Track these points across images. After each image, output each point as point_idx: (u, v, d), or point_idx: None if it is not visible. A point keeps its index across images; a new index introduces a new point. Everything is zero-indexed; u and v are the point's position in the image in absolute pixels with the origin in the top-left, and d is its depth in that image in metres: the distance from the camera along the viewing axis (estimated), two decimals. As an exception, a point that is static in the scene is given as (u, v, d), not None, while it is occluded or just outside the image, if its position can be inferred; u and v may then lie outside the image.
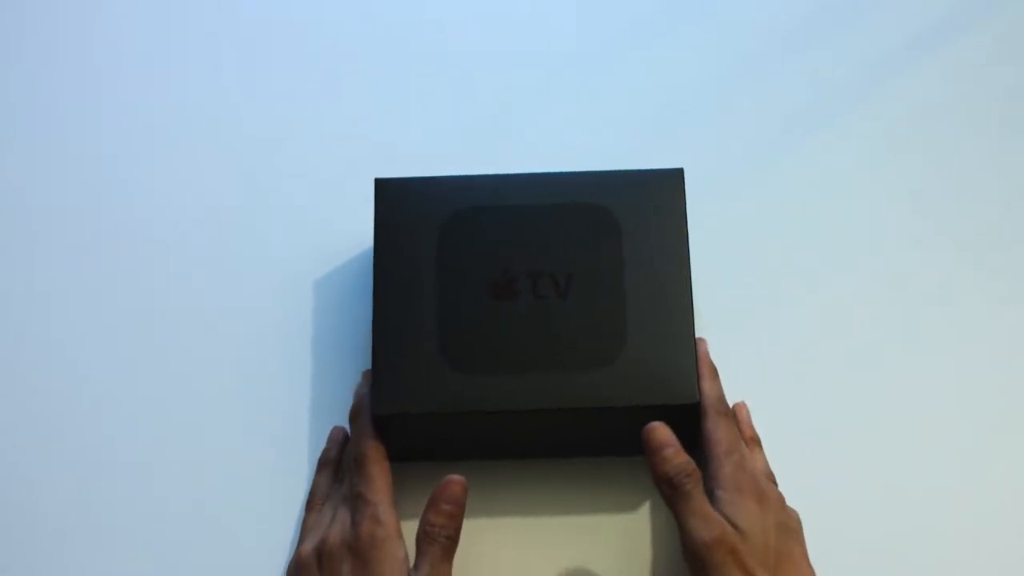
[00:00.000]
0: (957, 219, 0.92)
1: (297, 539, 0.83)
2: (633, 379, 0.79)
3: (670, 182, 0.84)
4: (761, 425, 0.85)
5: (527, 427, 0.81)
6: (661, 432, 0.78)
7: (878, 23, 0.98)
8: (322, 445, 0.85)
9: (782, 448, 0.84)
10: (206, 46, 0.98)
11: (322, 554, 0.78)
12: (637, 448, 0.83)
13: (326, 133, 0.95)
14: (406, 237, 0.83)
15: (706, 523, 0.75)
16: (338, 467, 0.85)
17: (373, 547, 0.77)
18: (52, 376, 0.88)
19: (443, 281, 0.82)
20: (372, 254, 0.88)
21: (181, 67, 0.97)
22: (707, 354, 0.83)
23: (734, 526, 0.75)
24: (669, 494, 0.77)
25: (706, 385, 0.81)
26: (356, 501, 0.79)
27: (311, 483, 0.85)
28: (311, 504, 0.83)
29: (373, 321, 0.81)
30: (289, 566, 0.80)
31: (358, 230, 0.91)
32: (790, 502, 0.80)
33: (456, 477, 0.78)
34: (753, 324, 0.88)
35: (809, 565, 0.77)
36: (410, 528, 0.79)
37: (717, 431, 0.80)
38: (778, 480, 0.83)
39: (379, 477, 0.79)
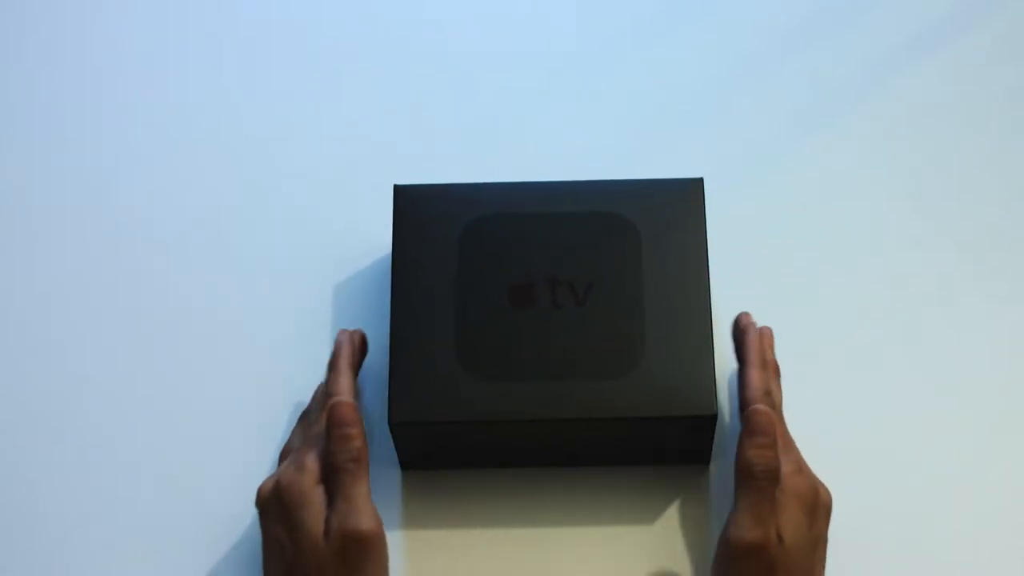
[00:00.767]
0: (957, 219, 0.92)
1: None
2: (651, 390, 0.79)
3: (690, 192, 0.84)
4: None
5: (544, 436, 0.80)
6: (765, 418, 0.77)
7: (878, 23, 0.98)
8: None
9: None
10: (211, 47, 0.98)
11: (260, 497, 0.78)
12: (653, 458, 0.83)
13: (338, 137, 0.95)
14: (425, 244, 0.82)
15: (756, 524, 0.75)
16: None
17: (291, 493, 0.76)
18: (65, 376, 0.88)
19: (462, 288, 0.81)
20: (389, 260, 0.88)
21: (191, 69, 0.97)
22: (756, 338, 0.81)
23: (779, 535, 0.75)
24: (742, 481, 0.76)
25: (753, 374, 0.80)
26: (305, 446, 0.78)
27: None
28: (282, 454, 0.83)
29: (391, 328, 0.81)
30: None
31: (372, 235, 0.90)
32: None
33: (340, 399, 0.77)
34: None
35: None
36: (411, 536, 0.79)
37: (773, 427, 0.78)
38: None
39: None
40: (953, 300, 0.89)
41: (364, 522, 0.75)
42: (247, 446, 0.86)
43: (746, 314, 0.83)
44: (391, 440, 0.85)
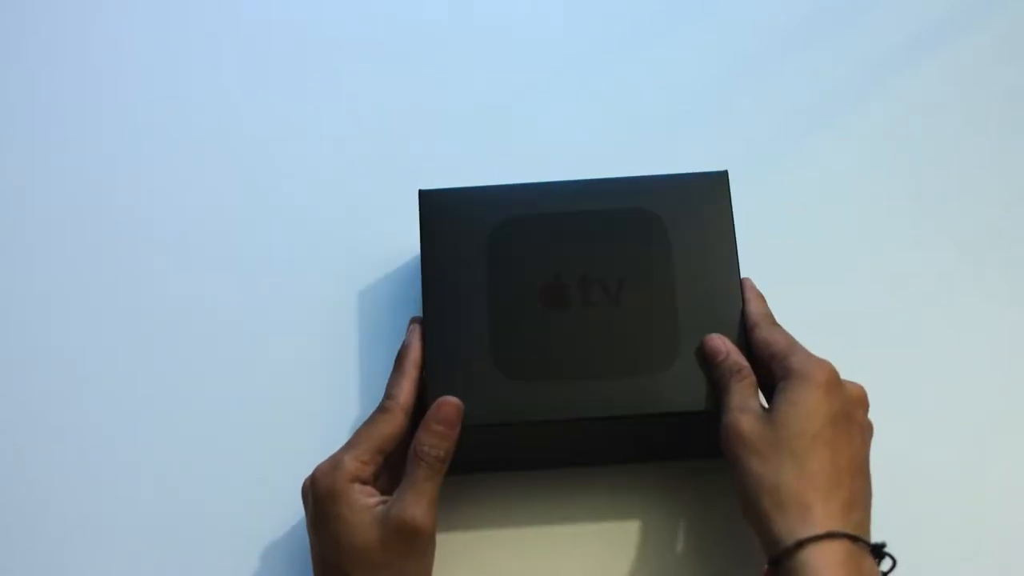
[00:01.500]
0: (957, 219, 0.92)
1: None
2: (687, 385, 0.79)
3: (715, 185, 0.84)
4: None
5: (583, 435, 0.80)
6: (716, 341, 0.79)
7: (878, 23, 0.98)
8: None
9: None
10: (217, 48, 0.98)
11: (302, 491, 0.79)
12: (694, 452, 0.83)
13: (356, 138, 0.94)
14: (453, 248, 0.82)
15: (728, 413, 0.76)
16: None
17: (322, 489, 0.76)
18: (72, 379, 0.88)
19: (493, 291, 0.81)
20: (413, 264, 0.88)
21: (211, 73, 0.97)
22: (752, 285, 0.83)
23: (771, 412, 0.75)
24: (719, 389, 0.78)
25: (751, 307, 0.81)
26: (347, 443, 0.79)
27: None
28: None
29: (424, 334, 0.81)
30: None
31: (395, 239, 0.90)
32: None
33: (450, 398, 0.78)
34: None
35: (855, 458, 0.75)
36: (450, 538, 0.78)
37: (773, 334, 0.79)
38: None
39: (378, 424, 0.79)
40: (953, 300, 0.89)
41: (422, 517, 0.75)
42: (272, 450, 0.86)
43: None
44: None
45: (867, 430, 0.78)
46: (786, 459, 0.74)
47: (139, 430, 0.87)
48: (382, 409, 0.79)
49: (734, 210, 0.86)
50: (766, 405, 0.78)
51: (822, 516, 0.72)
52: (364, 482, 0.77)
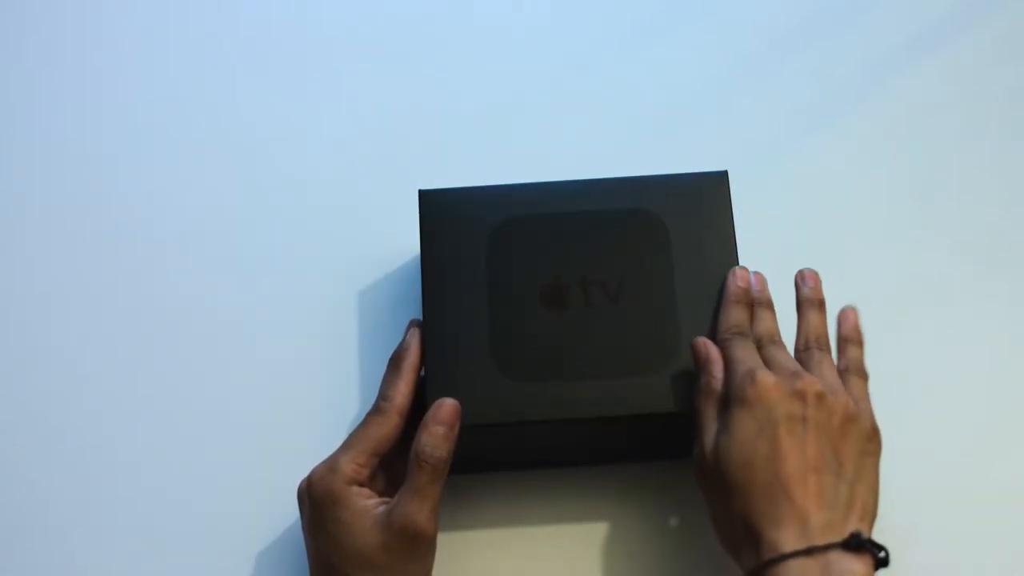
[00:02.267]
0: (957, 219, 0.92)
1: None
2: (685, 385, 0.79)
3: (715, 185, 0.84)
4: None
5: (582, 435, 0.81)
6: (702, 347, 0.79)
7: (878, 23, 0.98)
8: None
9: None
10: (217, 48, 0.98)
11: (298, 494, 0.79)
12: (684, 452, 0.82)
13: (356, 139, 0.94)
14: (453, 248, 0.82)
15: (694, 445, 0.76)
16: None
17: (319, 492, 0.76)
18: (79, 380, 0.88)
19: (493, 291, 0.81)
20: (416, 264, 0.88)
21: (211, 72, 0.97)
22: (736, 286, 0.81)
23: (716, 445, 0.75)
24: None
25: (721, 317, 0.80)
26: (342, 445, 0.79)
27: None
28: None
29: (424, 333, 0.81)
30: None
31: (394, 238, 0.90)
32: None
33: (448, 400, 0.78)
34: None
35: (805, 461, 0.72)
36: (450, 538, 0.78)
37: (733, 350, 0.78)
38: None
39: (373, 427, 0.78)
40: (953, 300, 0.89)
41: (425, 521, 0.75)
42: (272, 450, 0.86)
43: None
44: None
45: (826, 421, 0.74)
46: (732, 492, 0.73)
47: (138, 430, 0.87)
48: (377, 411, 0.79)
49: (734, 210, 0.86)
50: None
51: (771, 541, 0.70)
52: (360, 484, 0.77)
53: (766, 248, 0.91)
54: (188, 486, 0.85)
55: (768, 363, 0.78)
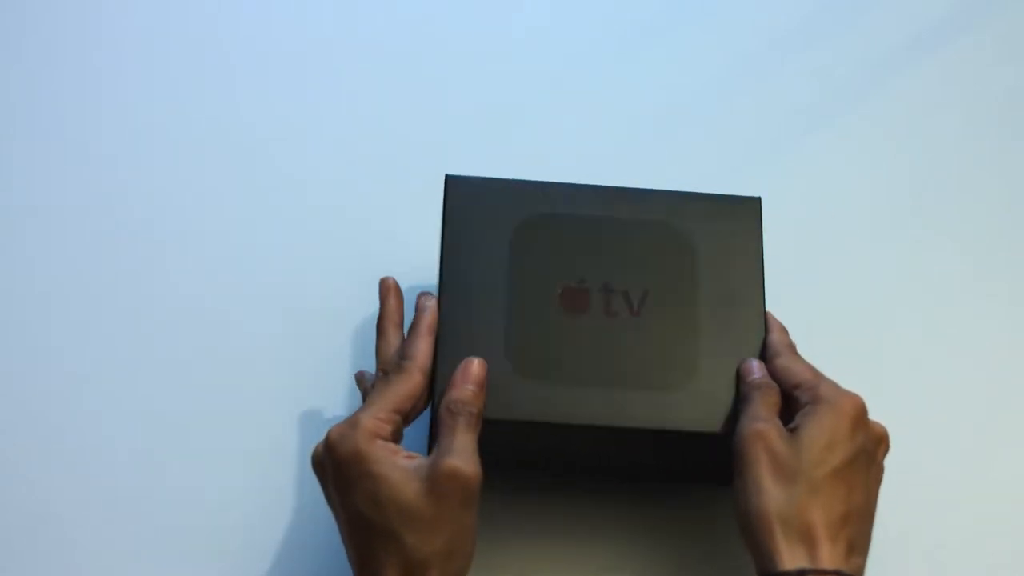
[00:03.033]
0: (957, 219, 0.92)
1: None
2: (704, 406, 0.77)
3: (748, 210, 0.82)
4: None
5: (592, 443, 0.79)
6: (752, 363, 0.78)
7: (878, 23, 0.98)
8: None
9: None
10: (224, 49, 0.98)
11: (314, 462, 0.76)
12: (701, 476, 0.82)
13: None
14: (477, 238, 0.81)
15: (752, 422, 0.74)
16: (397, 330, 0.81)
17: (342, 451, 0.72)
18: (84, 383, 0.88)
19: (514, 286, 0.80)
20: (437, 254, 0.87)
21: (217, 71, 0.97)
22: (772, 317, 0.81)
23: (794, 433, 0.73)
24: (742, 401, 0.76)
25: (773, 336, 0.79)
26: (363, 405, 0.76)
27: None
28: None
29: (439, 321, 0.79)
30: None
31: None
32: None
33: (476, 359, 0.76)
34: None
35: (867, 501, 0.74)
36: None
37: (797, 363, 0.77)
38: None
39: (395, 384, 0.76)
40: (953, 300, 0.89)
41: (473, 465, 0.72)
42: (273, 454, 0.85)
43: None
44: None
45: (881, 472, 0.77)
46: (802, 485, 0.72)
47: (138, 430, 0.87)
48: (399, 369, 0.76)
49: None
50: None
51: (828, 554, 0.70)
52: (384, 439, 0.73)
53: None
54: (188, 486, 0.85)
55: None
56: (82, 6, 0.99)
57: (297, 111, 0.95)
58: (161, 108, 0.96)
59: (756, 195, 0.83)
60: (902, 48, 0.97)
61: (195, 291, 0.90)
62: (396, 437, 0.75)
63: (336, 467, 0.73)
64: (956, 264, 0.90)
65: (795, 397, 0.76)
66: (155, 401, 0.87)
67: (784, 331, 0.81)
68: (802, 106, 0.95)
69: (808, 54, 0.97)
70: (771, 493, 0.72)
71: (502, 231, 0.81)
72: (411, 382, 0.76)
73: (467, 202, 0.82)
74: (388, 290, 0.82)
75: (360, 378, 0.83)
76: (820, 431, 0.73)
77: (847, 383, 0.87)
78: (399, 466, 0.72)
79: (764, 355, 0.79)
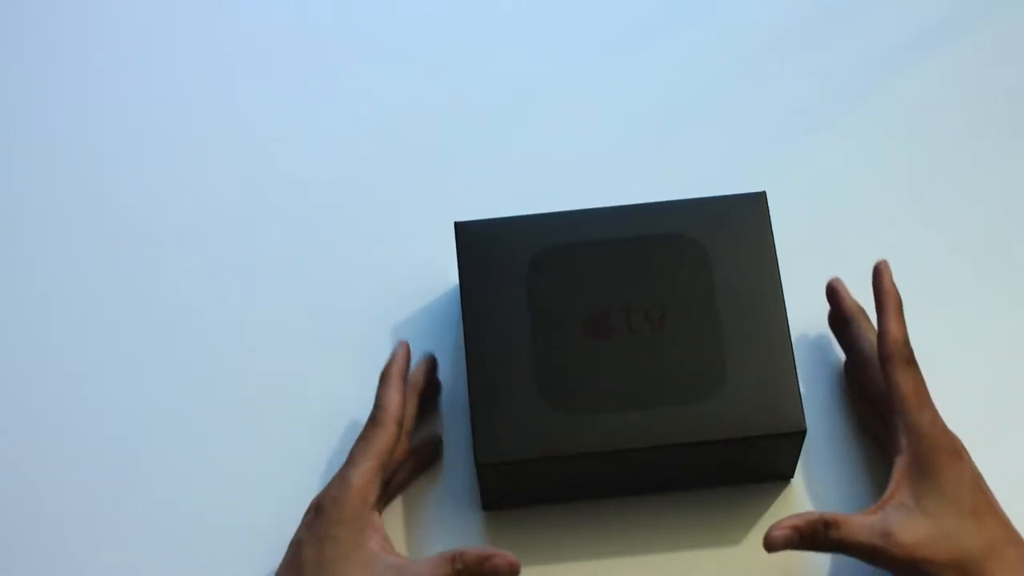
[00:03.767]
0: (957, 219, 0.92)
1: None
2: (737, 410, 0.78)
3: (753, 206, 0.83)
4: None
5: (631, 465, 0.79)
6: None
7: (878, 23, 0.98)
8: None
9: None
10: (226, 55, 0.98)
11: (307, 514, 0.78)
12: (737, 478, 0.82)
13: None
14: (492, 280, 0.81)
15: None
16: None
17: (349, 511, 0.75)
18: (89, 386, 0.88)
19: (535, 322, 0.80)
20: (448, 295, 0.87)
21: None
22: (892, 285, 0.79)
23: (924, 499, 0.75)
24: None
25: (891, 326, 0.78)
26: (347, 458, 0.78)
27: None
28: None
29: (468, 368, 0.80)
30: None
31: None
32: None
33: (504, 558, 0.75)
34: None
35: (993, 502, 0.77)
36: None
37: (906, 382, 0.77)
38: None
39: (373, 439, 0.78)
40: (953, 300, 0.90)
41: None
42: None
43: (884, 262, 0.81)
44: (473, 482, 0.85)
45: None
46: (963, 525, 0.74)
47: (138, 430, 0.87)
48: (374, 422, 0.78)
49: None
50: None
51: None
52: (375, 504, 0.76)
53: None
54: (188, 486, 0.85)
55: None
56: (82, 6, 0.99)
57: (297, 111, 0.95)
58: (161, 108, 0.96)
59: (761, 191, 0.83)
60: (902, 48, 0.97)
61: (195, 291, 0.90)
62: (383, 490, 0.79)
63: (329, 523, 0.75)
64: (956, 264, 0.90)
65: (889, 414, 0.78)
66: (155, 401, 0.87)
67: (901, 318, 0.79)
68: (802, 106, 0.95)
69: (808, 54, 0.97)
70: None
71: (517, 269, 0.81)
72: (386, 434, 0.78)
73: (479, 246, 0.82)
74: (399, 344, 0.82)
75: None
76: (949, 482, 0.76)
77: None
78: (382, 561, 0.74)
79: (791, 348, 0.79)
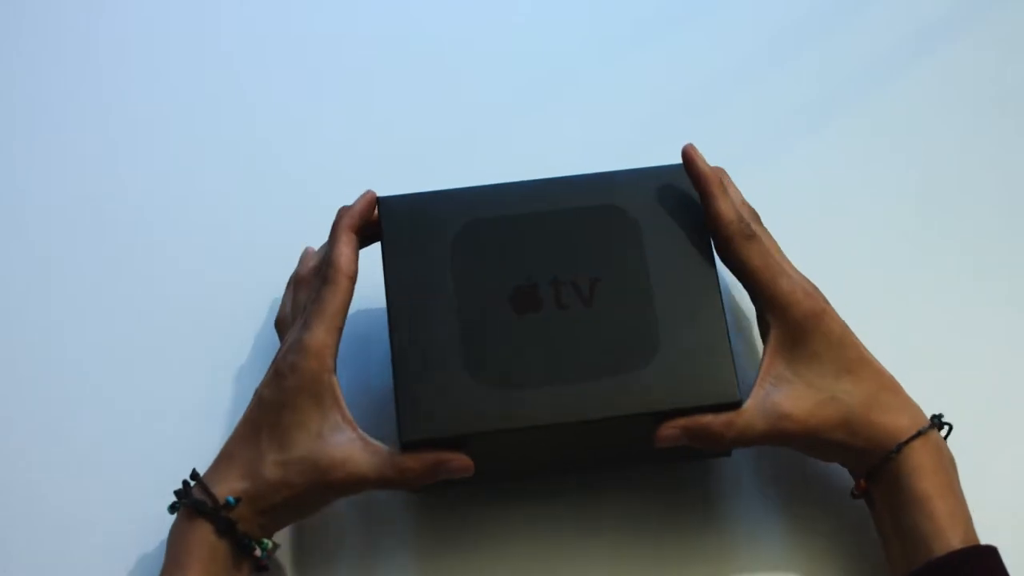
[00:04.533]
0: (957, 219, 0.92)
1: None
2: (670, 382, 0.77)
3: (683, 176, 0.82)
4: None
5: (563, 440, 0.78)
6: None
7: (878, 23, 0.98)
8: None
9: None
10: (197, 49, 0.98)
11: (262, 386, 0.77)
12: (677, 454, 0.81)
13: (309, 146, 0.94)
14: (417, 255, 0.80)
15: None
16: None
17: (290, 374, 0.75)
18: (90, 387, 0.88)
19: (462, 297, 0.79)
20: (380, 274, 0.86)
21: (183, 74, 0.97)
22: (706, 165, 0.80)
23: (799, 365, 0.77)
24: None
25: (719, 206, 0.79)
26: (299, 320, 0.77)
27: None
28: (277, 326, 0.82)
29: (392, 345, 0.78)
30: None
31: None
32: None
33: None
34: (751, 324, 0.88)
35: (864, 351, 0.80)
36: (434, 564, 0.77)
37: (752, 258, 0.78)
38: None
39: (329, 299, 0.76)
40: (953, 300, 0.89)
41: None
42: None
43: (689, 145, 0.81)
44: None
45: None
46: (841, 385, 0.76)
47: (138, 430, 0.87)
48: (325, 281, 0.76)
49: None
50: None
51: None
52: (333, 367, 0.75)
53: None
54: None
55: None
56: (82, 6, 0.99)
57: (297, 109, 0.96)
58: (161, 107, 0.96)
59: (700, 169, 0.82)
60: (902, 48, 0.97)
61: (195, 290, 0.90)
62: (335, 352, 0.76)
63: (290, 390, 0.74)
64: (956, 264, 0.90)
65: (752, 291, 0.80)
66: (155, 400, 0.87)
67: (734, 193, 0.82)
68: (802, 106, 0.95)
69: (808, 54, 0.97)
70: (834, 421, 0.78)
71: (442, 244, 0.80)
72: (339, 291, 0.76)
73: (402, 220, 0.81)
74: (362, 196, 0.81)
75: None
76: (827, 346, 0.79)
77: (847, 383, 0.87)
78: (341, 430, 0.74)
79: (722, 308, 0.79)
